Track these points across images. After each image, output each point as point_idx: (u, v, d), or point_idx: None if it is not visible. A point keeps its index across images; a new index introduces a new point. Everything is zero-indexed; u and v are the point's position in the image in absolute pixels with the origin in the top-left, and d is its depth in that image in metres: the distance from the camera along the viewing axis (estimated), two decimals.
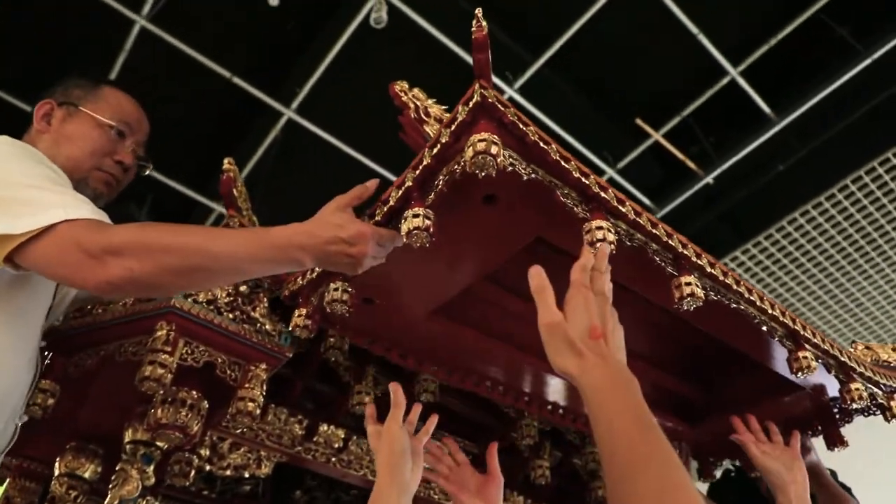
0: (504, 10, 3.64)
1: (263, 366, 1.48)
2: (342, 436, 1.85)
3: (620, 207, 1.22)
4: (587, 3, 3.54)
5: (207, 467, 1.65)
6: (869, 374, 1.69)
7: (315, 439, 1.80)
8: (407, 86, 1.44)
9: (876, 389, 1.74)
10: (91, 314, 1.49)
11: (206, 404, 1.46)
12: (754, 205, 4.09)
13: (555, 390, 1.85)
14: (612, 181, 4.17)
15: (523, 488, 2.12)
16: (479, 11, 1.09)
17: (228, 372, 1.45)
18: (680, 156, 4.07)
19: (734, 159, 4.00)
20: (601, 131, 4.09)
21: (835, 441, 1.84)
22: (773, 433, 1.65)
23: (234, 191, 1.65)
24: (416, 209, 1.16)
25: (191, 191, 4.41)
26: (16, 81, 3.81)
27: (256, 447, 1.72)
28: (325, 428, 1.83)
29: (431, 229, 1.14)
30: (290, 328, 1.51)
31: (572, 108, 3.99)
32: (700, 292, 1.28)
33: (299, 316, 1.48)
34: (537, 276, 0.95)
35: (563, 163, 1.15)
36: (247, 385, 1.44)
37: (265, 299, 1.54)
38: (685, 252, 1.31)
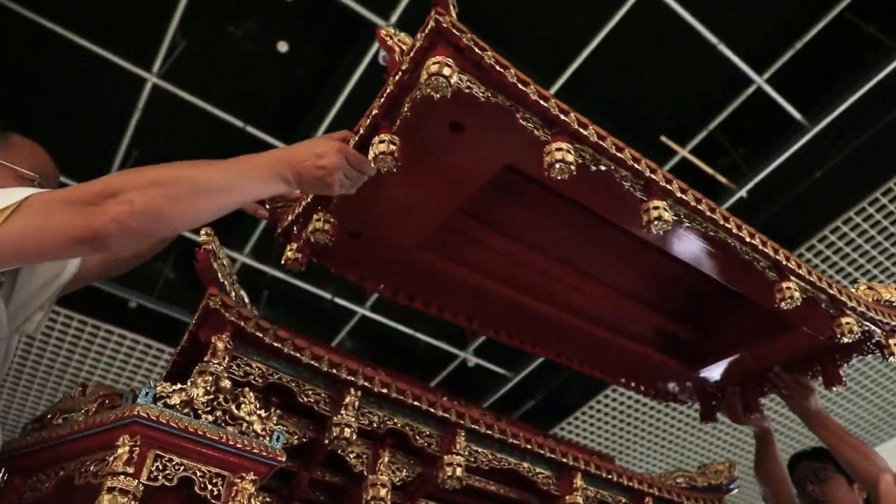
0: (514, 37, 3.36)
1: (251, 476, 1.18)
2: None
3: (582, 130, 1.19)
4: (599, 23, 3.24)
5: None
6: (862, 309, 1.63)
7: None
8: (392, 31, 1.39)
9: (874, 327, 1.69)
10: (49, 426, 1.21)
11: None
12: (793, 216, 3.70)
13: (541, 327, 1.84)
14: None
15: None
16: None
17: (210, 487, 1.15)
18: (709, 171, 3.71)
19: (767, 170, 3.62)
20: None
21: (832, 380, 1.86)
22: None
23: (214, 265, 1.36)
24: (382, 135, 1.18)
25: None
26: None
27: None
28: None
29: (396, 154, 1.16)
30: (283, 262, 1.50)
31: None
32: (668, 216, 1.25)
33: (290, 250, 1.49)
34: None
35: (520, 85, 1.13)
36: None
37: (251, 394, 1.25)
38: (653, 177, 1.27)
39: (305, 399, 1.41)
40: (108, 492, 1.05)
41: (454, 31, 1.07)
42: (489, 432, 1.56)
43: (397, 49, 1.33)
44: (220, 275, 1.37)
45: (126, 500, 1.05)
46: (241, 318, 1.35)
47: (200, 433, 1.16)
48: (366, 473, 1.48)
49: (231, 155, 3.97)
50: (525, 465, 1.63)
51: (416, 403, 1.49)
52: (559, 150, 1.14)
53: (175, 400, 1.17)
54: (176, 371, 1.43)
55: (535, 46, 3.39)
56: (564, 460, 1.64)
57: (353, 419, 1.40)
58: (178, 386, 1.19)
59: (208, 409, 1.19)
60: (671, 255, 1.51)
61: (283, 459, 1.21)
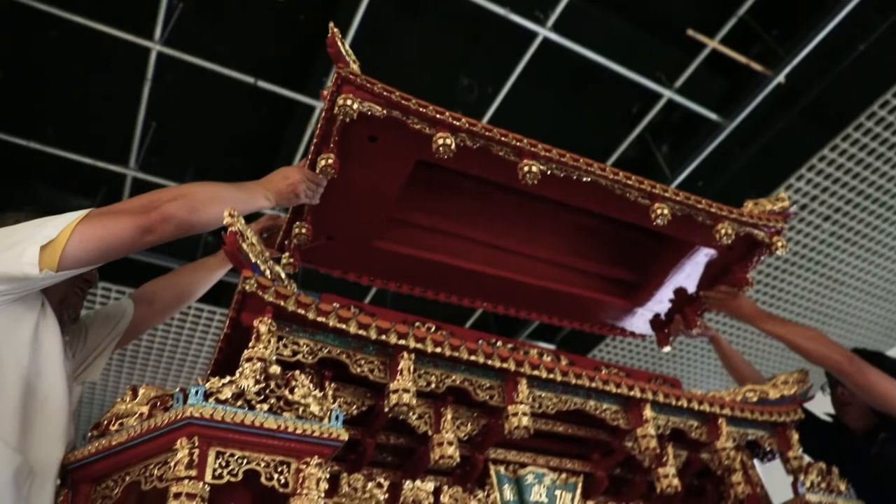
0: None
1: (316, 460, 1.13)
2: (430, 489, 1.50)
3: (455, 122, 1.57)
4: None
5: None
6: (735, 216, 1.85)
7: (402, 500, 1.46)
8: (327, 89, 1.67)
9: (755, 231, 1.90)
10: (108, 433, 1.17)
11: None
12: (837, 95, 3.43)
13: (498, 289, 2.06)
14: (671, 103, 3.61)
15: (651, 499, 1.74)
16: (332, 25, 1.59)
17: (276, 476, 1.11)
18: (743, 60, 3.44)
19: (805, 51, 3.33)
20: (651, 53, 3.49)
21: (740, 283, 2.06)
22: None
23: (244, 246, 1.28)
24: (323, 154, 1.59)
25: None
26: (44, 131, 3.57)
27: None
28: (410, 485, 1.48)
29: (334, 164, 1.58)
30: (280, 264, 1.70)
31: (615, 35, 3.41)
32: (536, 168, 1.60)
33: (285, 258, 1.84)
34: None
35: (403, 101, 1.53)
36: (300, 492, 1.09)
37: (302, 376, 1.18)
38: (520, 144, 1.62)
39: (358, 370, 1.34)
40: (174, 498, 1.01)
41: (352, 76, 1.50)
42: (551, 376, 1.49)
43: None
44: (251, 255, 1.29)
45: (194, 503, 1.01)
46: (280, 297, 1.27)
47: (258, 424, 1.10)
48: (430, 433, 1.42)
49: (247, 112, 3.83)
50: (591, 403, 1.56)
51: (472, 358, 1.41)
52: (440, 137, 1.53)
53: (226, 394, 1.11)
54: (223, 360, 1.38)
55: None
56: (631, 393, 1.56)
57: (410, 383, 1.33)
58: (228, 379, 1.13)
59: (261, 398, 1.13)
60: (590, 212, 1.88)
61: (346, 438, 1.16)
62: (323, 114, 1.58)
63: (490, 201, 1.92)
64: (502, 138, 1.59)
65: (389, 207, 1.79)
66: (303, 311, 1.28)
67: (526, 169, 1.59)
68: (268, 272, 1.32)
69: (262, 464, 1.11)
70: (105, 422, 1.19)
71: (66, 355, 1.35)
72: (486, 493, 1.53)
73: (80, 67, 3.45)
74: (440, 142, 1.52)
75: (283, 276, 1.36)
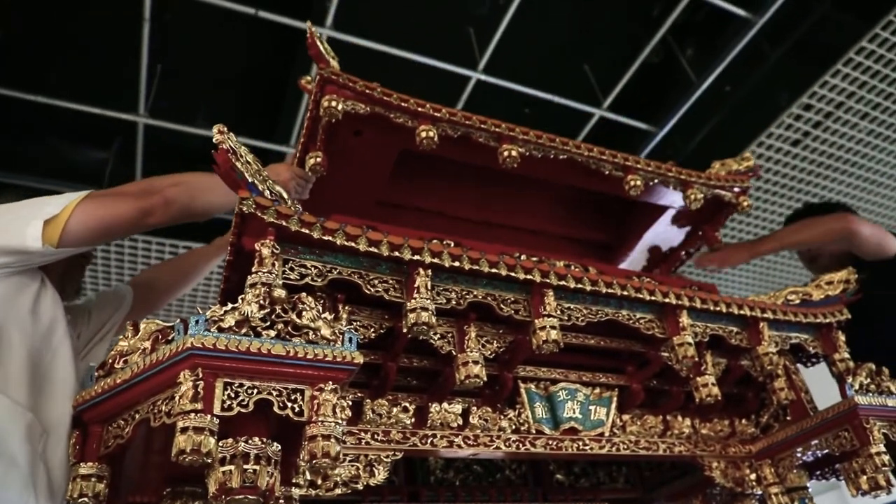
0: None
1: (331, 385, 1.04)
2: (458, 411, 1.41)
3: (436, 114, 1.61)
4: None
5: (312, 492, 1.28)
6: (703, 181, 1.91)
7: (429, 424, 1.38)
8: (309, 78, 1.80)
9: (723, 192, 1.96)
10: (113, 372, 1.09)
11: (276, 447, 1.05)
12: (846, 10, 3.13)
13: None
14: (695, 0, 3.33)
15: (689, 410, 1.64)
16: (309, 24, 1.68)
17: (290, 405, 1.02)
18: None
19: None
20: None
21: (710, 241, 2.14)
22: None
23: (238, 165, 1.16)
24: (311, 153, 1.64)
25: (259, 141, 3.97)
26: (51, 85, 3.45)
27: (363, 453, 1.32)
28: (437, 408, 1.40)
29: (323, 163, 1.63)
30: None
31: None
32: (516, 152, 1.66)
33: None
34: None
35: (385, 97, 1.58)
36: (315, 420, 1.01)
37: (309, 298, 1.08)
38: (499, 130, 1.67)
39: (372, 290, 1.24)
40: (181, 432, 0.93)
41: (333, 76, 1.55)
42: (580, 286, 1.37)
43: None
44: (246, 174, 1.17)
45: (203, 437, 0.93)
46: (282, 217, 1.16)
47: (265, 352, 1.01)
48: (454, 353, 1.33)
49: (251, 47, 3.60)
50: (624, 312, 1.44)
51: (494, 271, 1.30)
52: (423, 130, 1.58)
53: (229, 322, 1.01)
54: (230, 290, 1.28)
55: None
56: (667, 300, 1.44)
57: (428, 301, 1.23)
58: (230, 306, 1.03)
59: (267, 324, 1.04)
60: (580, 190, 1.93)
61: (361, 362, 1.06)
62: (308, 113, 1.64)
63: (474, 179, 1.95)
64: (482, 125, 1.65)
65: (376, 193, 1.82)
66: (307, 231, 1.17)
67: (506, 154, 1.64)
68: (267, 192, 1.20)
69: (274, 392, 1.02)
70: (110, 360, 1.11)
71: (70, 333, 1.33)
72: (516, 412, 1.45)
73: (74, 22, 3.29)
74: (423, 134, 1.56)
75: (284, 195, 1.24)
